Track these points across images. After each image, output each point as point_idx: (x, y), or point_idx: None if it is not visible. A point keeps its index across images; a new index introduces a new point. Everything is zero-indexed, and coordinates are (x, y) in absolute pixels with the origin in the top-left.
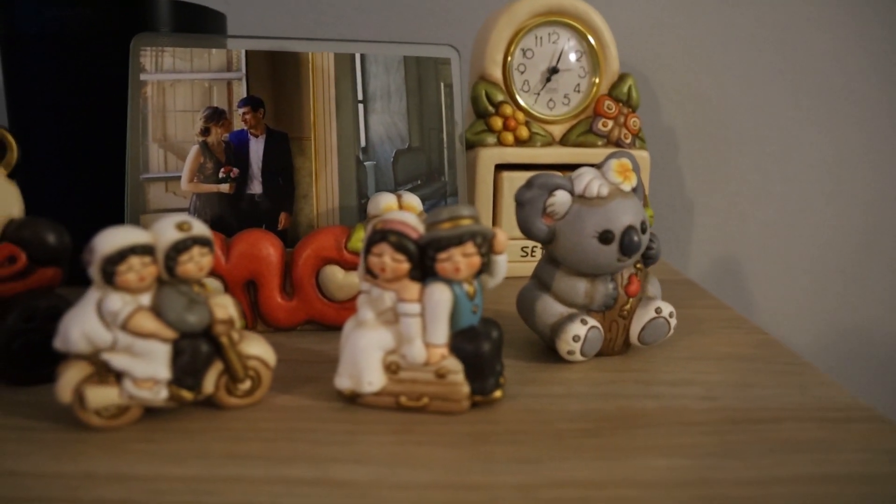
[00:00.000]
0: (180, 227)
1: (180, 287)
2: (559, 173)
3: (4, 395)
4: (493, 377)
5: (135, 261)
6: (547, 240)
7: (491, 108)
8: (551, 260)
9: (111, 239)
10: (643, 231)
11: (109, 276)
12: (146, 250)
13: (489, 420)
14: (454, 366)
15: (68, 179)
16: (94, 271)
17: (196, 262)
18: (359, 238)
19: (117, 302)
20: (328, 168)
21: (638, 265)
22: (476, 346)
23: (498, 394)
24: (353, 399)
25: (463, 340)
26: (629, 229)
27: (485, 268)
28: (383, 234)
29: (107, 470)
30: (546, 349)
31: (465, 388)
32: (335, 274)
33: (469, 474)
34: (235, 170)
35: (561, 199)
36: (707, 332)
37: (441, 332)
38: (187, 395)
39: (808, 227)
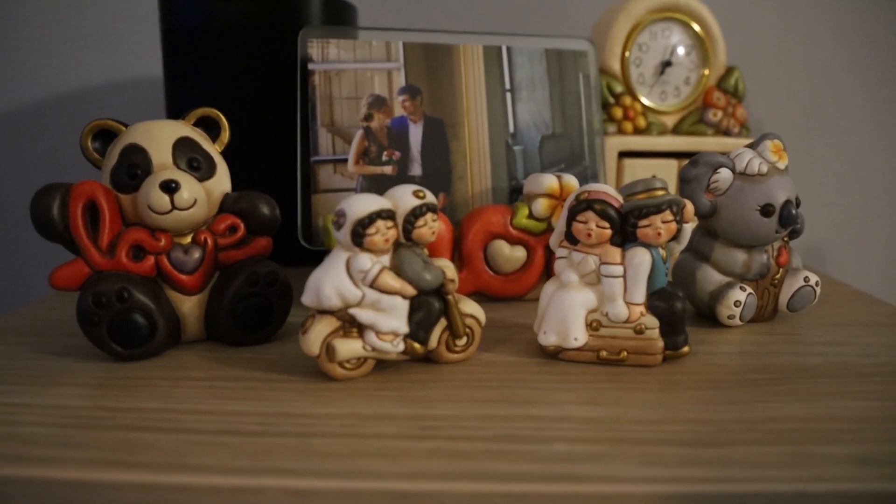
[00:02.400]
0: (416, 194)
1: (415, 249)
2: (669, 161)
3: (231, 355)
4: (683, 334)
5: (381, 224)
6: (709, 213)
7: (612, 99)
8: (709, 233)
9: (361, 204)
10: (797, 206)
11: (359, 237)
12: (390, 214)
13: (683, 371)
14: (651, 322)
15: (234, 165)
16: (345, 233)
17: (430, 227)
18: (523, 215)
19: (367, 261)
20: (481, 152)
21: (785, 238)
22: (670, 305)
23: (686, 349)
24: (555, 354)
25: (658, 300)
26: (787, 203)
27: (675, 235)
28: (588, 203)
29: (369, 411)
30: (694, 317)
31: (661, 343)
32: (502, 248)
33: (688, 412)
34: (397, 153)
35: (724, 175)
36: (835, 304)
37: (641, 292)
38: (420, 348)
39: (891, 216)
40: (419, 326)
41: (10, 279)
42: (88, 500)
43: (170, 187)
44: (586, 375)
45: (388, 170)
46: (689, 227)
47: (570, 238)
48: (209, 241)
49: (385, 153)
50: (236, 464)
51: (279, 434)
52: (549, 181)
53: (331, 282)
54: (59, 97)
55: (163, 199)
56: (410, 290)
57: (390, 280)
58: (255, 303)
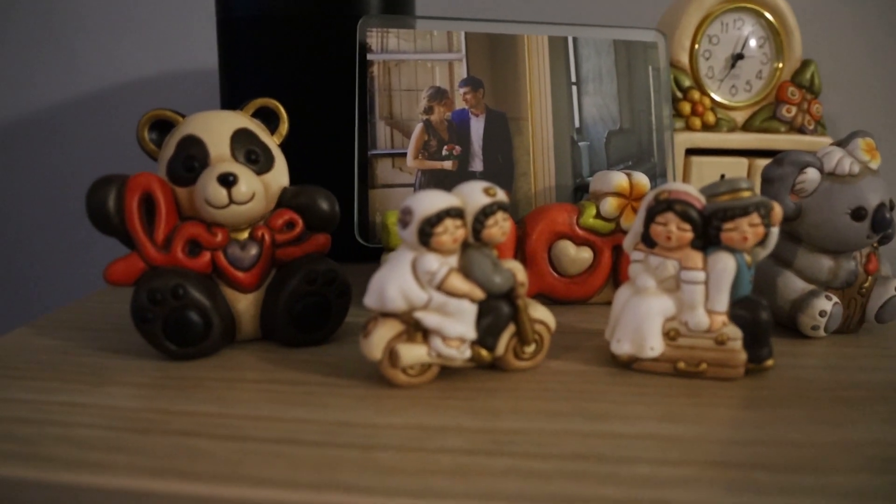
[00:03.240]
0: (487, 192)
1: (484, 250)
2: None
3: (287, 356)
4: (767, 346)
5: (449, 223)
6: (793, 216)
7: (679, 94)
8: (791, 237)
9: (429, 201)
10: (891, 209)
11: (426, 236)
12: (459, 213)
13: (767, 386)
14: (734, 333)
15: (290, 157)
16: (412, 232)
17: (500, 227)
18: (590, 214)
19: (434, 262)
20: (545, 147)
21: (875, 244)
22: (755, 315)
23: (770, 362)
24: (628, 364)
25: (742, 309)
26: (881, 206)
27: (762, 239)
28: (669, 204)
29: (434, 422)
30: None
31: (743, 355)
32: (568, 249)
33: (779, 432)
34: (458, 147)
35: (812, 176)
36: None
37: (723, 300)
38: (487, 355)
39: None
40: (487, 332)
41: (68, 270)
42: None
43: (227, 180)
44: (663, 388)
45: (448, 165)
46: (776, 232)
47: (647, 240)
48: (266, 237)
49: (445, 148)
50: (298, 477)
51: (342, 445)
52: (619, 179)
53: (395, 283)
54: (118, 88)
55: (220, 193)
56: (479, 294)
57: (459, 282)
58: (313, 302)
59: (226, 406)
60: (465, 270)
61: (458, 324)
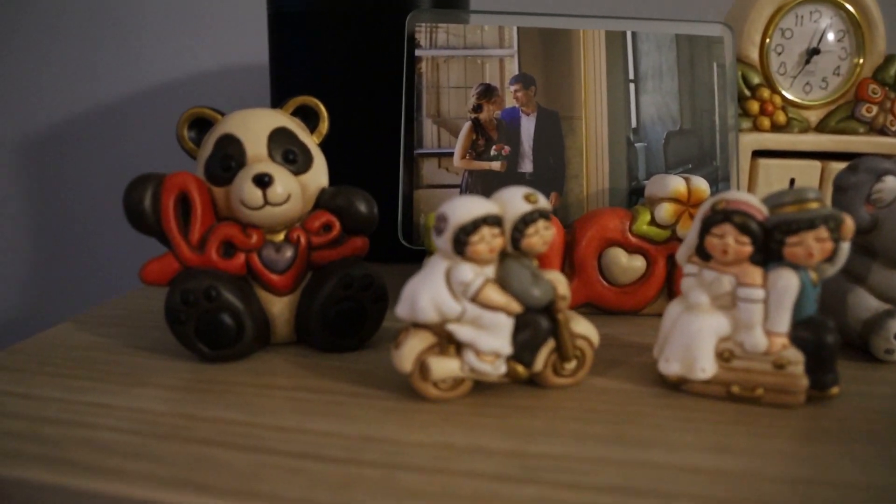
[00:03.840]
0: (527, 198)
1: (523, 260)
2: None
3: (320, 362)
4: (832, 372)
5: (486, 231)
6: (867, 228)
7: (747, 92)
8: (865, 250)
9: (465, 208)
10: None
11: (461, 245)
12: (496, 221)
13: (831, 417)
14: (795, 356)
15: (334, 156)
16: (446, 240)
17: (541, 236)
18: (644, 221)
19: (468, 273)
20: (598, 148)
21: None
22: (819, 337)
23: (835, 390)
24: (677, 385)
25: (805, 330)
26: None
27: (830, 255)
28: (726, 215)
29: (463, 442)
30: (840, 349)
31: (805, 381)
32: (619, 257)
33: (841, 471)
34: (507, 147)
35: (890, 185)
36: None
37: (784, 321)
38: (523, 371)
39: None
40: (524, 347)
41: (114, 266)
42: None
43: (263, 181)
44: (713, 413)
45: (496, 165)
46: (846, 247)
47: (702, 253)
48: (302, 240)
49: (494, 147)
50: (314, 496)
51: (363, 463)
52: (676, 183)
53: (428, 293)
54: (177, 83)
55: (255, 194)
56: (516, 307)
57: (494, 294)
58: (348, 307)
59: (251, 414)
60: (503, 282)
61: (492, 338)
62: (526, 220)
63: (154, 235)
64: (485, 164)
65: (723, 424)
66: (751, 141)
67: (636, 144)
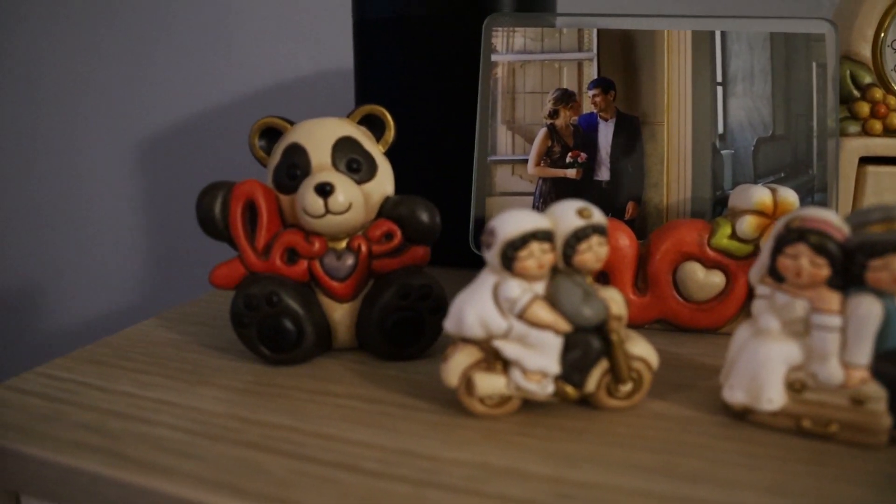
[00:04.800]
0: (581, 213)
1: (575, 277)
2: None
3: (377, 370)
4: None
5: (535, 246)
6: None
7: (856, 92)
8: None
9: (514, 222)
10: None
11: (509, 261)
12: (547, 236)
13: None
14: (876, 392)
15: (415, 161)
16: (494, 255)
17: (594, 252)
18: (724, 234)
19: (516, 289)
20: (681, 156)
21: None
22: None
23: None
24: (742, 415)
25: (889, 363)
26: None
27: None
28: (801, 234)
29: (500, 462)
30: None
31: (888, 420)
32: (695, 272)
33: None
34: (583, 154)
35: None
36: None
37: (864, 352)
38: (572, 392)
39: None
40: (573, 367)
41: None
42: None
43: (324, 190)
44: (779, 449)
45: (571, 173)
46: None
47: (775, 274)
48: (363, 248)
49: (570, 154)
50: None
51: (395, 478)
52: (760, 195)
53: (474, 309)
54: (271, 88)
55: (317, 203)
56: (564, 326)
57: (542, 312)
58: (405, 317)
59: (299, 419)
60: (552, 299)
61: (539, 356)
62: (578, 236)
63: (224, 241)
64: (559, 172)
65: (787, 462)
66: (858, 146)
67: (722, 151)
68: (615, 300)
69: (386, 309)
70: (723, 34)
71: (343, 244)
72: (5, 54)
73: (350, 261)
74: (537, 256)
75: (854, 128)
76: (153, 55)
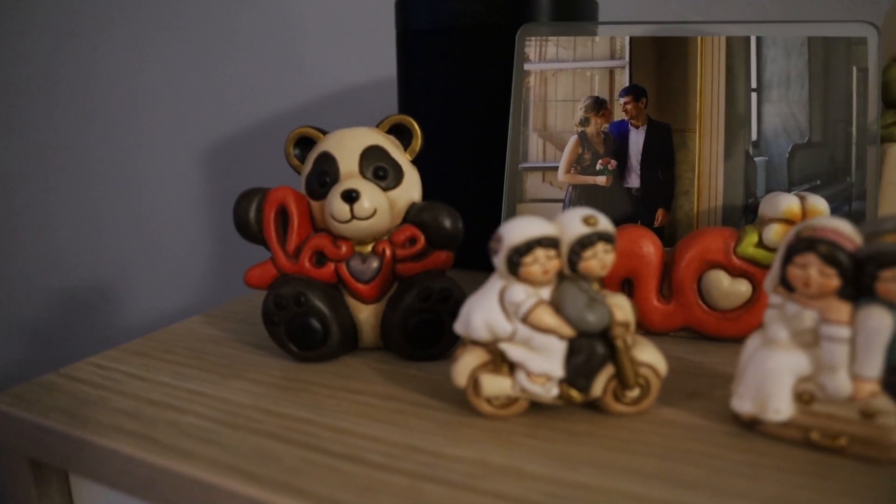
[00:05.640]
0: (586, 221)
1: (581, 284)
2: None
3: (398, 369)
4: None
5: (540, 253)
6: None
7: None
8: None
9: (519, 229)
10: None
11: (515, 266)
12: (552, 243)
13: None
14: (887, 406)
15: (450, 168)
16: (500, 260)
17: (600, 259)
18: (750, 242)
19: (520, 293)
20: (713, 163)
21: None
22: None
23: None
24: (751, 425)
25: None
26: None
27: None
28: (811, 243)
29: (500, 461)
30: None
31: None
32: (720, 280)
33: None
34: (613, 162)
35: None
36: None
37: (874, 365)
38: (577, 395)
39: None
40: (578, 372)
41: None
42: (207, 500)
43: (350, 196)
44: (785, 461)
45: (601, 180)
46: None
47: (785, 283)
48: (388, 252)
49: (600, 162)
50: (340, 497)
51: (397, 471)
52: (788, 203)
53: (481, 312)
54: (325, 97)
55: (343, 208)
56: (567, 331)
57: (545, 317)
58: (426, 319)
59: (317, 413)
60: (557, 304)
61: (543, 360)
62: (583, 243)
63: (258, 243)
64: (589, 179)
65: (790, 474)
66: None
67: (756, 158)
68: (621, 307)
69: (407, 311)
70: (758, 39)
71: (369, 248)
72: (69, 62)
73: (375, 264)
74: (542, 263)
75: None
76: (217, 65)
